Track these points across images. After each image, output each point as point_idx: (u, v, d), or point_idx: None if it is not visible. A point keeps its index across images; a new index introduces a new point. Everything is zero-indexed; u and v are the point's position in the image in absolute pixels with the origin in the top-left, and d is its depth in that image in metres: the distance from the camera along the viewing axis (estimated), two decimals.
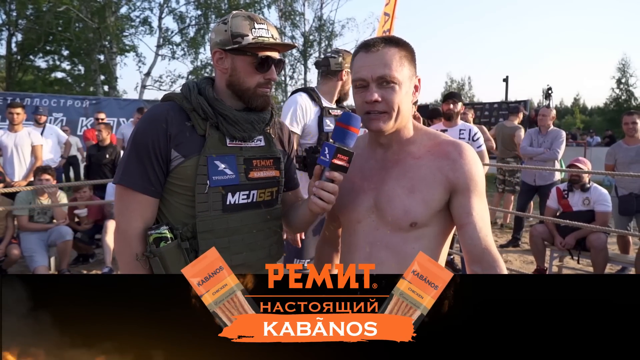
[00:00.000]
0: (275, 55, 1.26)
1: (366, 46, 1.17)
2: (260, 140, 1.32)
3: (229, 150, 1.24)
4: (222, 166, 1.21)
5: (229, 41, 1.21)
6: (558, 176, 5.70)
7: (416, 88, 1.22)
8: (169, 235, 1.18)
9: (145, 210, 1.21)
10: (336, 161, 1.12)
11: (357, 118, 1.15)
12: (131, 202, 1.20)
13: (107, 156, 5.76)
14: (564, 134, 5.69)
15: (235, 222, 1.24)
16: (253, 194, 1.28)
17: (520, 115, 7.20)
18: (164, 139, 1.19)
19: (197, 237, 1.20)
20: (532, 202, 6.16)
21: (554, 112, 5.84)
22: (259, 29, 1.22)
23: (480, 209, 1.16)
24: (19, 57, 20.33)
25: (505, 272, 1.14)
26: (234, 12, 1.26)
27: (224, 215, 1.22)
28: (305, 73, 23.58)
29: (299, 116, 2.61)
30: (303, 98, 2.67)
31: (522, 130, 6.73)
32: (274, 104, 1.37)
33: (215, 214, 1.21)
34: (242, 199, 1.26)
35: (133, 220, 1.20)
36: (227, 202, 1.23)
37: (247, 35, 1.20)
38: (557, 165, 5.60)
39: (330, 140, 1.18)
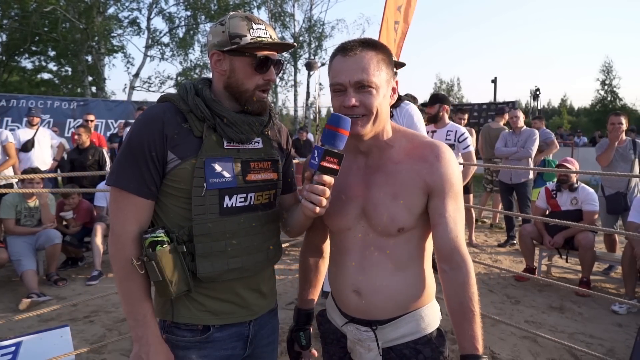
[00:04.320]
0: (274, 55, 1.24)
1: (343, 50, 1.15)
2: (258, 142, 1.30)
3: (226, 152, 1.21)
4: (219, 169, 1.19)
5: (226, 42, 1.18)
6: (531, 175, 5.87)
7: (394, 90, 1.21)
8: (165, 238, 1.15)
9: (140, 213, 1.17)
10: (325, 164, 1.09)
11: (347, 120, 1.12)
12: (126, 204, 1.17)
13: (90, 157, 5.66)
14: (536, 132, 5.85)
15: (232, 225, 1.21)
16: (250, 197, 1.25)
17: (506, 117, 7.35)
18: (160, 140, 1.16)
19: (194, 241, 1.17)
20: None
21: (521, 112, 6.07)
22: (257, 29, 1.19)
23: (453, 210, 1.18)
24: (4, 58, 19.99)
25: (472, 270, 1.17)
26: (231, 13, 1.23)
27: (221, 218, 1.19)
28: (295, 74, 23.58)
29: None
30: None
31: (506, 131, 6.86)
32: (272, 105, 1.35)
33: (212, 217, 1.18)
34: (240, 202, 1.23)
35: (127, 224, 1.17)
36: (224, 205, 1.20)
37: (245, 36, 1.18)
38: (531, 164, 5.79)
39: (319, 143, 1.16)
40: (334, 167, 1.10)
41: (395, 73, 1.24)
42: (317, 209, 1.12)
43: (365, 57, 1.13)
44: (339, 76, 1.15)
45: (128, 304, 1.18)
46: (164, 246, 1.14)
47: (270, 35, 1.22)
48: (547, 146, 6.49)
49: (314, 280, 1.48)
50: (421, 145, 1.22)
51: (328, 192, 1.12)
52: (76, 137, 5.72)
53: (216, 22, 1.25)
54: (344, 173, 1.27)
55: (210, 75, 1.33)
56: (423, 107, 4.43)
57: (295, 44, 1.57)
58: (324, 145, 1.11)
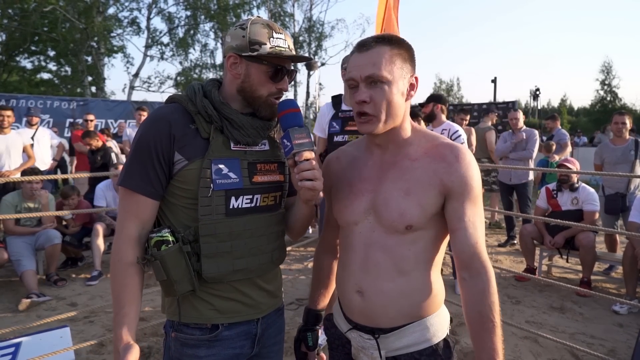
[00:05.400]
0: (289, 65, 1.27)
1: (359, 46, 1.16)
2: (265, 144, 1.31)
3: (233, 153, 1.22)
4: (225, 170, 1.20)
5: (246, 47, 1.19)
6: (532, 175, 5.85)
7: (412, 87, 1.18)
8: (170, 238, 1.16)
9: (142, 211, 1.19)
10: (297, 141, 1.14)
11: (291, 99, 1.21)
12: (129, 203, 1.18)
13: (99, 159, 5.84)
14: (536, 133, 5.85)
15: (238, 226, 1.22)
16: (256, 198, 1.25)
17: (492, 116, 7.37)
18: (167, 140, 1.17)
19: (200, 241, 1.18)
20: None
21: (521, 113, 6.04)
22: (277, 38, 1.21)
23: (473, 215, 1.13)
24: (3, 58, 19.98)
25: (493, 277, 1.13)
26: (253, 18, 1.23)
27: (227, 219, 1.20)
28: (295, 74, 23.57)
29: (317, 122, 3.16)
30: (324, 105, 3.12)
31: (492, 131, 6.87)
32: None
33: (218, 217, 1.19)
34: (246, 203, 1.23)
35: (128, 221, 1.18)
36: (230, 206, 1.20)
37: (265, 44, 1.19)
38: (531, 164, 5.79)
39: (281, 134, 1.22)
40: (306, 140, 1.15)
41: None
42: (315, 184, 1.14)
43: (379, 52, 1.12)
44: (352, 71, 1.15)
45: (114, 300, 1.19)
46: (169, 246, 1.15)
47: (289, 46, 1.24)
48: (561, 148, 6.28)
49: (326, 280, 1.45)
50: (441, 145, 1.19)
51: (315, 163, 1.14)
52: (87, 147, 5.96)
53: (236, 24, 1.25)
54: (359, 166, 1.27)
55: (209, 75, 1.33)
56: (420, 107, 4.46)
57: (311, 57, 1.59)
58: (287, 129, 1.17)
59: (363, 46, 1.15)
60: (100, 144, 5.95)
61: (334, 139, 2.87)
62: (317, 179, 1.15)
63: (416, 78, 1.19)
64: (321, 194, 1.26)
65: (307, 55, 1.40)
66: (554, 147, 6.31)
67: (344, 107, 2.94)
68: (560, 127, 6.76)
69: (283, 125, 1.19)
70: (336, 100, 3.03)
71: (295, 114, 1.19)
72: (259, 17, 1.26)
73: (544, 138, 7.19)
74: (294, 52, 1.25)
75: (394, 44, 1.14)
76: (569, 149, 6.42)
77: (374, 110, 1.13)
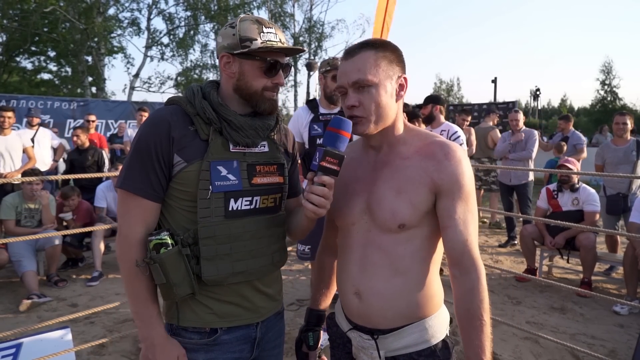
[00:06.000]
0: (283, 59, 1.25)
1: (345, 53, 1.20)
2: (264, 146, 1.30)
3: (232, 155, 1.22)
4: (224, 172, 1.19)
5: (237, 45, 1.19)
6: (532, 176, 5.82)
7: (402, 87, 1.20)
8: (169, 241, 1.15)
9: (146, 215, 1.18)
10: (324, 164, 1.10)
11: (348, 122, 1.15)
12: (132, 206, 1.18)
13: (90, 158, 5.72)
14: (536, 133, 5.84)
15: (237, 228, 1.21)
16: (256, 200, 1.25)
17: (494, 117, 7.35)
18: (166, 142, 1.16)
19: (199, 244, 1.17)
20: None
21: (521, 114, 6.01)
22: (267, 32, 1.20)
23: (463, 212, 1.13)
24: (3, 58, 19.98)
25: (483, 275, 1.13)
26: (242, 16, 1.23)
27: (226, 221, 1.19)
28: (295, 74, 23.59)
29: (293, 125, 3.13)
30: (299, 109, 3.14)
31: (496, 130, 6.85)
32: (279, 110, 1.34)
33: (217, 219, 1.18)
34: (245, 205, 1.22)
35: (134, 225, 1.17)
36: (230, 208, 1.20)
37: (256, 40, 1.18)
38: (532, 165, 5.78)
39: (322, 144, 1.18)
40: (334, 167, 1.11)
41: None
42: (318, 210, 1.11)
43: (363, 57, 1.15)
44: (340, 79, 1.19)
45: (134, 305, 1.19)
46: (169, 249, 1.14)
47: (280, 39, 1.23)
48: (576, 152, 6.04)
49: (328, 281, 1.46)
50: (432, 143, 1.20)
51: (328, 192, 1.12)
52: (75, 138, 5.76)
53: (227, 24, 1.25)
54: (354, 167, 1.28)
55: (209, 75, 1.33)
56: (419, 109, 4.47)
57: (304, 48, 1.57)
58: (325, 146, 1.12)
59: (349, 54, 1.18)
60: (87, 142, 5.83)
61: (317, 142, 2.93)
62: (322, 207, 1.12)
63: (405, 78, 1.20)
64: None
65: (303, 49, 1.38)
66: (564, 148, 6.17)
67: (322, 110, 3.03)
68: (573, 128, 6.52)
69: (325, 140, 1.14)
70: (312, 104, 3.11)
71: (342, 138, 1.13)
72: (248, 14, 1.26)
73: (545, 138, 7.14)
74: (286, 45, 1.24)
75: (379, 48, 1.17)
76: (584, 154, 6.08)
77: (363, 113, 1.16)
